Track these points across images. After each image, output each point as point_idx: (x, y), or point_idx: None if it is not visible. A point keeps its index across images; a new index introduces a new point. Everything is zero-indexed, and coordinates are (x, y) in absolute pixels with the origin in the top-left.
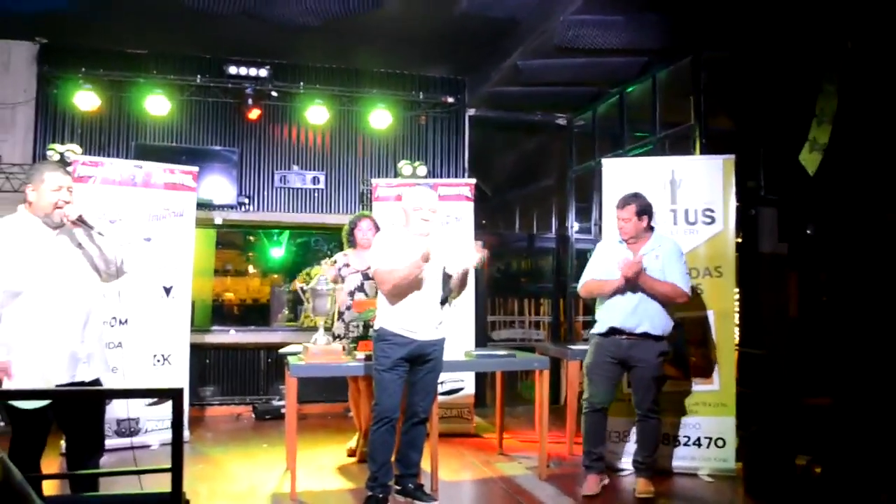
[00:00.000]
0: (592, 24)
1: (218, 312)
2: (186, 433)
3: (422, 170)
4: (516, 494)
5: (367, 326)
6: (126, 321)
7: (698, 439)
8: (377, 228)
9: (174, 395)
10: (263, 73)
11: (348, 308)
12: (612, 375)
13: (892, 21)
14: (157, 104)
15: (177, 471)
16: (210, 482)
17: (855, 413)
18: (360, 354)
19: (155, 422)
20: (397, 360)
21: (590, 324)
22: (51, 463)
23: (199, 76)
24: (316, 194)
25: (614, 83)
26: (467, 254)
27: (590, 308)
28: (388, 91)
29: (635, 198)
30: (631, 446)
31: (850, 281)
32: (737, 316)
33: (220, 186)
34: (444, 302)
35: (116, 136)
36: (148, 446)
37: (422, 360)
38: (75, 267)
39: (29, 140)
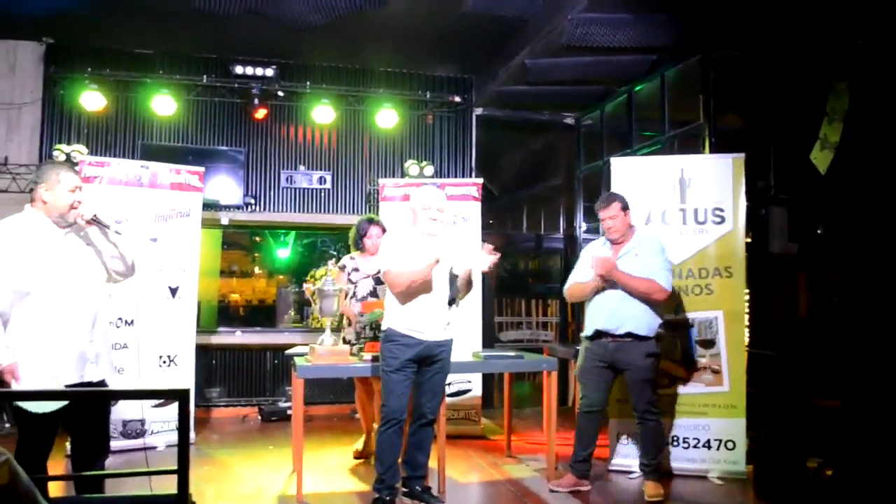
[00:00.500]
0: (601, 22)
1: (224, 313)
2: (192, 434)
3: (429, 169)
4: (524, 497)
5: (374, 327)
6: (132, 322)
7: (708, 441)
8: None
9: (180, 396)
10: (270, 72)
11: (361, 315)
12: (602, 379)
13: None
14: (163, 104)
15: (183, 472)
16: (216, 484)
17: (866, 414)
18: (367, 355)
19: (161, 423)
20: (405, 360)
21: None
22: (56, 464)
23: (205, 76)
24: (322, 194)
25: (623, 82)
26: (479, 257)
27: None
28: (394, 90)
29: (615, 195)
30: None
31: (861, 281)
32: (747, 317)
33: (226, 186)
34: (451, 302)
35: (122, 136)
36: (154, 448)
37: (430, 361)
38: (84, 267)
39: (35, 141)
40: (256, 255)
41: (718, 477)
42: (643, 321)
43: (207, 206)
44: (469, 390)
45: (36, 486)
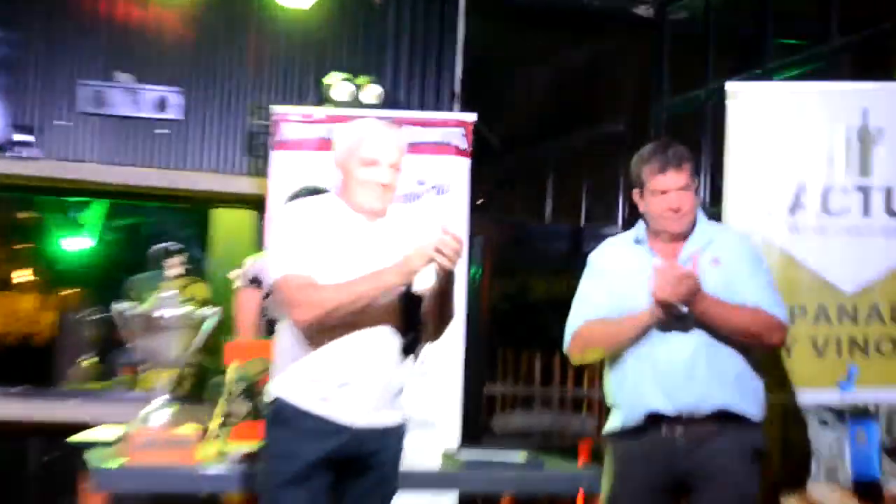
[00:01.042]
0: None
1: None
2: None
3: (371, 92)
4: None
5: (250, 392)
6: None
7: None
8: None
9: None
10: None
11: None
12: None
13: None
14: None
15: None
16: None
17: None
18: (237, 448)
19: None
20: (309, 465)
21: None
22: None
23: None
24: (164, 131)
25: None
26: (435, 241)
27: None
28: None
29: (683, 150)
30: None
31: None
32: None
33: None
34: (405, 352)
35: None
36: None
37: (360, 467)
38: None
39: None
40: (22, 247)
41: None
42: (747, 388)
43: None
44: None
45: None
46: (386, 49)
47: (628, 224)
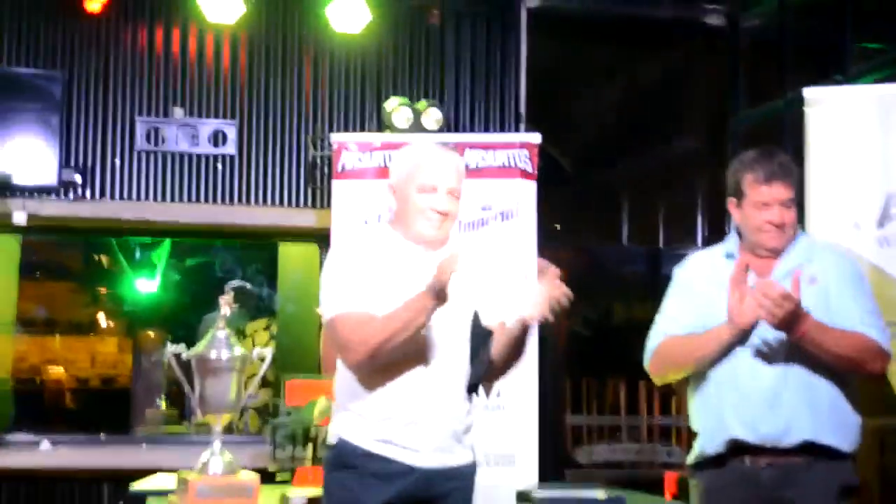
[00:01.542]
0: None
1: (24, 405)
2: None
3: (433, 115)
4: None
5: (308, 436)
6: None
7: None
8: None
9: None
10: None
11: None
12: None
13: None
14: None
15: None
16: None
17: None
18: (299, 495)
19: None
20: None
21: None
22: None
23: None
24: (219, 165)
25: None
26: (528, 289)
27: None
28: None
29: (793, 162)
30: None
31: None
32: None
33: (23, 149)
34: (473, 389)
35: None
36: None
37: None
38: None
39: None
40: (97, 289)
41: None
42: (839, 419)
43: None
44: None
45: None
46: (446, 71)
47: (708, 244)
